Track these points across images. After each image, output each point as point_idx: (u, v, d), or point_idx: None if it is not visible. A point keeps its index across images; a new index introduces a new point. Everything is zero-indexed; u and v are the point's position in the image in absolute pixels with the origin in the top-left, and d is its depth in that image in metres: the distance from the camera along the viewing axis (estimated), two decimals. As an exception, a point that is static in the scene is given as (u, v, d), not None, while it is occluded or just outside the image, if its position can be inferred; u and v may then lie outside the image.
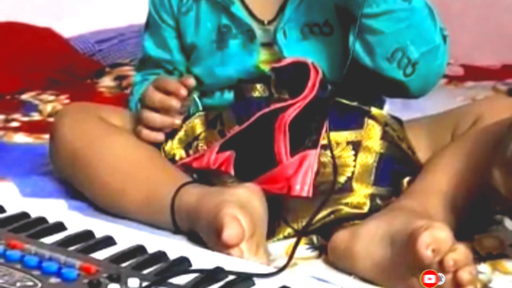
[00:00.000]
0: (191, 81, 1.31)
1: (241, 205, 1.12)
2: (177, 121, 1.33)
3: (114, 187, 1.28)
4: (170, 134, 1.36)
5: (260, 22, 1.36)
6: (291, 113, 1.27)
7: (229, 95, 1.38)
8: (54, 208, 1.23)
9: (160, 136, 1.34)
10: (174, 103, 1.31)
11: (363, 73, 1.28)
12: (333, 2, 1.32)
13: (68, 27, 2.50)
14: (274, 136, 1.26)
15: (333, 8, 1.32)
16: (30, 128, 1.85)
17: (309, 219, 1.19)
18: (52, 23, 2.46)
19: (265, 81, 1.33)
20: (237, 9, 1.36)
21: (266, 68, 1.35)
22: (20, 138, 1.76)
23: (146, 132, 1.34)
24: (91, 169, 1.31)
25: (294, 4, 1.33)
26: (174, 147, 1.36)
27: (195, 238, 1.20)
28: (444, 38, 1.30)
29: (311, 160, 1.25)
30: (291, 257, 1.06)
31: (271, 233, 1.20)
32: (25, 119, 1.95)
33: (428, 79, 1.30)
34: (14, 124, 1.91)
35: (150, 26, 1.48)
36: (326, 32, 1.33)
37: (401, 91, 1.30)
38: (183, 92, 1.30)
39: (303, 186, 1.23)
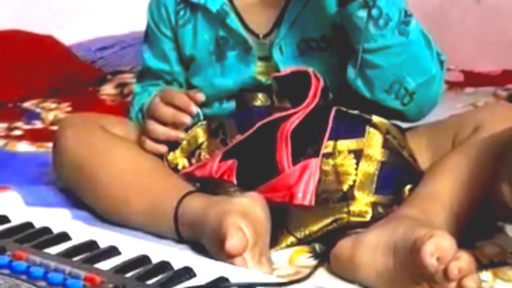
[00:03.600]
0: (200, 96, 1.33)
1: (244, 215, 1.12)
2: (182, 135, 1.34)
3: (117, 196, 1.29)
4: (173, 144, 1.36)
5: (255, 35, 1.37)
6: (293, 122, 1.27)
7: (227, 105, 1.39)
8: (58, 218, 1.23)
9: (163, 148, 1.35)
10: (186, 119, 1.32)
11: (360, 100, 1.31)
12: (330, 19, 1.32)
13: (69, 35, 2.50)
14: (276, 145, 1.27)
15: (329, 23, 1.33)
16: (32, 136, 1.85)
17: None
18: (53, 31, 2.46)
19: (267, 91, 1.34)
20: (232, 21, 1.36)
21: (263, 79, 1.36)
22: (23, 146, 1.76)
23: (150, 144, 1.35)
24: (95, 179, 1.31)
25: (290, 20, 1.33)
26: (177, 156, 1.36)
27: (198, 247, 1.20)
28: (441, 63, 1.33)
29: (313, 168, 1.25)
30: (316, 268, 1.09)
31: (273, 242, 1.20)
32: (28, 127, 1.96)
33: (425, 106, 1.33)
34: (17, 132, 1.91)
35: (149, 37, 1.49)
36: (322, 47, 1.34)
37: (398, 117, 1.34)
38: (194, 109, 1.32)
39: (305, 194, 1.24)
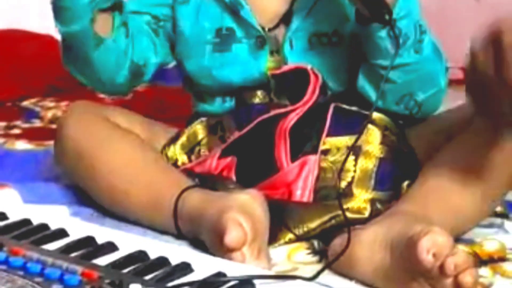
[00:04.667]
0: None
1: (243, 210, 1.12)
2: None
3: (118, 188, 1.29)
4: (173, 139, 1.36)
5: (262, 28, 1.35)
6: (291, 119, 1.27)
7: (230, 103, 1.37)
8: (56, 215, 1.23)
9: None
10: None
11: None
12: (343, 13, 1.32)
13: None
14: (275, 142, 1.27)
15: (343, 17, 1.32)
16: (31, 135, 1.85)
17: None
18: (53, 30, 2.46)
19: (266, 88, 1.34)
20: (247, 13, 1.34)
21: (269, 74, 1.34)
22: (22, 145, 1.76)
23: None
24: (96, 170, 1.30)
25: (303, 14, 1.32)
26: (177, 152, 1.36)
27: (197, 243, 1.20)
28: (446, 69, 1.33)
29: (311, 165, 1.25)
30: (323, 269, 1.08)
31: (272, 238, 1.20)
32: (26, 126, 1.96)
33: (430, 112, 1.34)
34: (15, 131, 1.91)
35: None
36: (334, 41, 1.33)
37: (403, 119, 1.35)
38: None
39: (303, 191, 1.24)
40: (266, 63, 1.34)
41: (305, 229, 1.23)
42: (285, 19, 1.34)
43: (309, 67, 1.31)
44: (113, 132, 1.34)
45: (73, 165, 1.35)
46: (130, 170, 1.29)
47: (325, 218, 1.22)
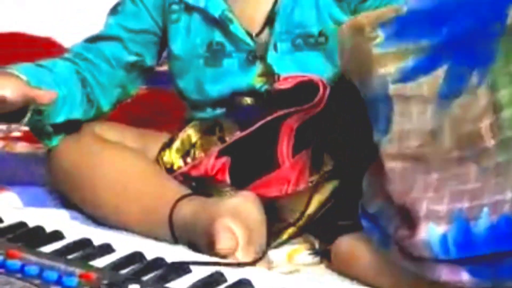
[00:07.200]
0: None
1: (234, 215, 1.12)
2: None
3: (111, 203, 1.27)
4: (167, 144, 1.36)
5: (249, 35, 1.34)
6: (300, 117, 1.24)
7: (221, 110, 1.37)
8: (53, 218, 1.23)
9: None
10: None
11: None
12: (328, 13, 1.31)
13: (69, 37, 2.50)
14: (279, 138, 1.25)
15: (329, 17, 1.31)
16: (31, 137, 1.85)
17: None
18: (52, 33, 2.46)
19: (254, 94, 1.32)
20: (237, 29, 1.33)
21: (257, 84, 1.33)
22: (22, 148, 1.76)
23: None
24: (88, 185, 1.30)
25: (284, 16, 1.31)
26: (172, 157, 1.35)
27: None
28: None
29: (308, 157, 1.24)
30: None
31: (270, 237, 1.19)
32: (26, 128, 1.95)
33: None
34: (15, 134, 1.91)
35: (123, 9, 1.44)
36: (321, 42, 1.32)
37: None
38: None
39: (298, 182, 1.23)
40: (255, 75, 1.33)
41: (299, 214, 1.22)
42: (269, 22, 1.33)
43: (315, 77, 1.22)
44: (103, 146, 1.33)
45: (65, 181, 1.34)
46: (121, 183, 1.28)
47: (322, 199, 1.22)
